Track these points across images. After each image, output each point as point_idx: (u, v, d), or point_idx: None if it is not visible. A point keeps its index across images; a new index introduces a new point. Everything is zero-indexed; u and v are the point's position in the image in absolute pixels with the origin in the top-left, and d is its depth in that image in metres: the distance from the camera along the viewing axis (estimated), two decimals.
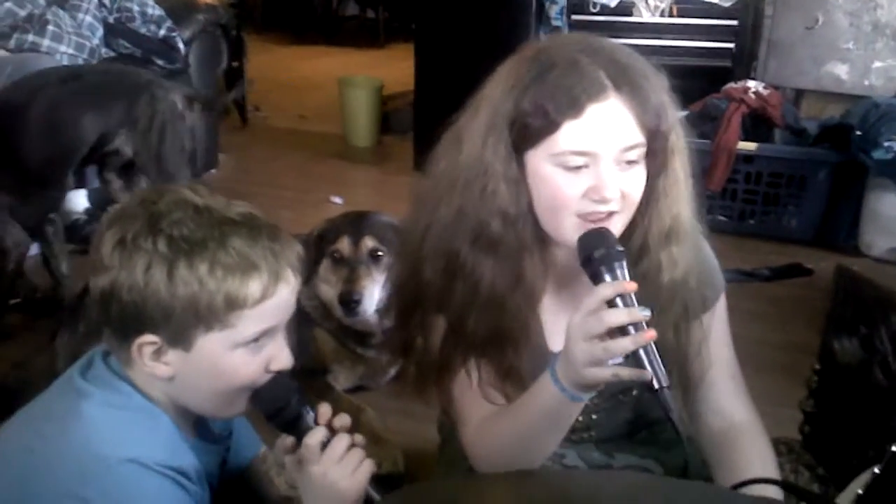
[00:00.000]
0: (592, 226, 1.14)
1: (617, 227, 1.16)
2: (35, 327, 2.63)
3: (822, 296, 1.82)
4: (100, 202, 3.13)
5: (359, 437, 1.19)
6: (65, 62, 3.22)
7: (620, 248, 1.10)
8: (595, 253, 1.09)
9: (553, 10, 3.86)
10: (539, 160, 1.15)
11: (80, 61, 3.33)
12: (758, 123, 3.48)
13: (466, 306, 1.22)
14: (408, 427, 2.11)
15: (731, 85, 3.58)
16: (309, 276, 2.18)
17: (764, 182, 3.46)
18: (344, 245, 2.18)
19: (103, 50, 3.50)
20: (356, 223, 2.24)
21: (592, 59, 1.13)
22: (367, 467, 1.17)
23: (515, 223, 1.19)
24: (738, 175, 3.45)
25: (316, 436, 1.15)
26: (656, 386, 1.04)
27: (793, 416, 1.74)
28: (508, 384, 1.24)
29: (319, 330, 2.27)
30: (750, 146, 3.42)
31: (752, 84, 3.55)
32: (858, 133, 3.22)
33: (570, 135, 1.12)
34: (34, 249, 3.15)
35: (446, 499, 0.71)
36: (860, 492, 0.91)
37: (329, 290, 2.23)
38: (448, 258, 1.22)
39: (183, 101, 2.67)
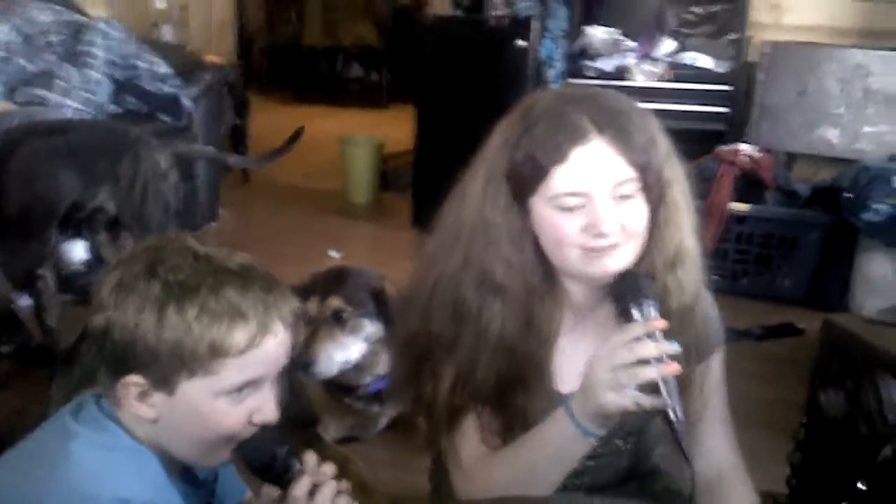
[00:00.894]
0: (595, 256, 1.19)
1: (622, 258, 1.20)
2: (29, 376, 2.63)
3: (813, 355, 1.83)
4: (98, 254, 3.15)
5: (344, 484, 1.19)
6: (71, 116, 3.29)
7: (651, 287, 1.16)
8: (625, 292, 1.15)
9: (550, 74, 3.96)
10: (539, 205, 1.21)
11: (88, 116, 3.40)
12: (750, 185, 3.54)
13: (476, 352, 1.24)
14: (397, 477, 2.10)
15: (724, 147, 3.64)
16: None
17: (756, 242, 3.50)
18: (311, 305, 2.17)
19: (111, 106, 3.57)
20: (329, 283, 2.22)
21: (576, 107, 1.19)
22: None
23: (520, 269, 1.23)
24: (731, 235, 3.49)
25: (302, 486, 1.15)
26: (672, 418, 1.09)
27: (782, 473, 1.74)
28: (513, 430, 1.26)
29: (310, 379, 2.27)
30: (742, 207, 3.46)
31: (743, 147, 3.62)
32: (849, 195, 3.26)
33: (560, 179, 1.17)
34: (27, 300, 3.18)
35: None
36: None
37: None
38: (454, 306, 1.25)
39: (168, 160, 2.67)
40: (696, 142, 3.69)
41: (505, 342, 1.23)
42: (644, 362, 1.09)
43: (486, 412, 1.28)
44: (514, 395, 1.25)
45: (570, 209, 1.18)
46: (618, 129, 1.18)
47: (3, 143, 2.60)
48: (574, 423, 1.15)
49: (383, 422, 2.35)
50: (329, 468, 1.19)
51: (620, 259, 1.19)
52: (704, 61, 4.11)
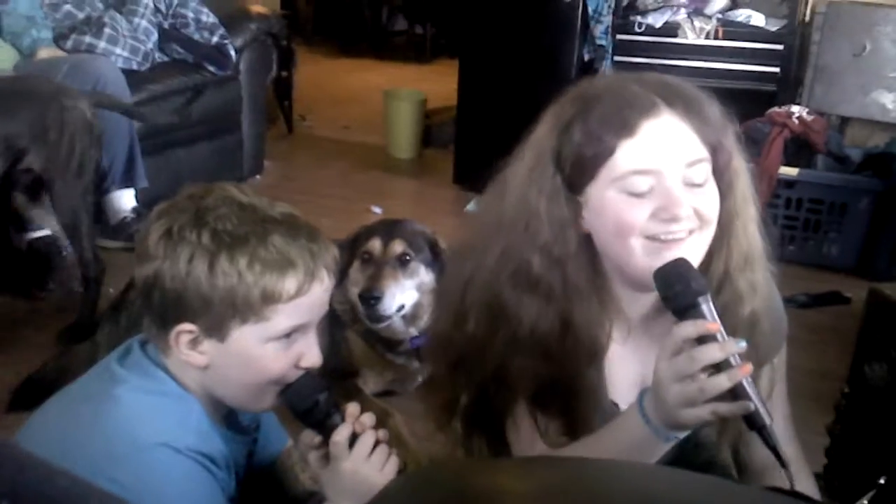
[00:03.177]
0: (664, 248, 1.09)
1: (698, 247, 1.11)
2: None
3: (859, 325, 1.80)
4: (147, 201, 3.19)
5: (382, 433, 1.22)
6: (119, 64, 3.31)
7: (702, 281, 1.04)
8: (675, 289, 1.03)
9: (598, 30, 3.88)
10: (601, 191, 1.11)
11: (135, 65, 3.43)
12: (800, 149, 3.46)
13: (509, 351, 1.18)
14: (434, 431, 2.12)
15: (775, 109, 3.56)
16: (341, 279, 2.21)
17: (805, 208, 3.43)
18: (374, 246, 2.22)
19: (157, 54, 3.59)
20: (389, 227, 2.28)
21: (639, 84, 1.11)
22: (395, 463, 1.20)
23: (561, 265, 1.15)
24: (779, 200, 3.42)
25: (343, 432, 1.18)
26: (759, 423, 0.99)
27: (822, 443, 1.73)
28: (574, 434, 1.19)
29: (351, 333, 2.30)
30: (791, 171, 3.39)
31: (796, 109, 3.53)
32: None
33: (628, 155, 1.08)
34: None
35: (455, 479, 0.73)
36: (866, 502, 0.91)
37: (356, 290, 2.23)
38: (491, 302, 1.19)
39: (91, 111, 2.60)
40: (747, 102, 3.60)
41: (538, 342, 1.15)
42: (712, 367, 0.99)
43: (536, 411, 1.21)
44: (558, 400, 1.19)
45: (638, 194, 1.08)
46: (688, 104, 1.10)
47: None
48: (653, 430, 1.05)
49: (421, 378, 2.38)
50: (369, 418, 1.21)
51: (696, 250, 1.10)
52: (757, 19, 4.00)
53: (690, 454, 1.38)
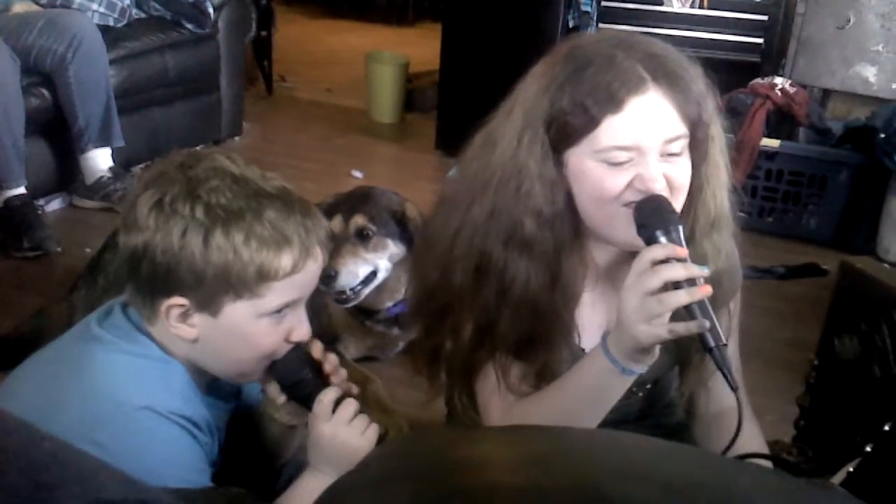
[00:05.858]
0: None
1: None
2: (51, 277, 2.67)
3: (830, 298, 1.83)
4: (123, 161, 3.15)
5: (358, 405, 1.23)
6: (96, 20, 3.24)
7: (675, 213, 1.12)
8: (650, 218, 1.11)
9: None
10: (581, 157, 1.15)
11: (111, 21, 3.35)
12: (782, 120, 3.46)
13: (497, 307, 1.22)
14: (415, 398, 2.12)
15: (758, 80, 3.56)
16: None
17: (785, 180, 3.44)
18: (335, 222, 2.20)
19: (134, 10, 3.51)
20: (352, 202, 2.25)
21: (628, 53, 1.14)
22: (375, 429, 1.21)
23: (551, 223, 1.19)
24: (760, 171, 3.43)
25: (329, 395, 1.19)
26: (712, 343, 1.06)
27: (794, 413, 1.75)
28: (542, 383, 1.25)
29: (331, 300, 2.30)
30: (773, 143, 3.40)
31: (779, 81, 3.53)
32: (882, 136, 3.19)
33: (611, 130, 1.12)
34: (58, 203, 3.21)
35: (439, 446, 0.73)
36: (851, 469, 0.93)
37: None
38: (480, 259, 1.22)
39: None
40: (730, 73, 3.59)
41: (528, 299, 1.20)
42: (674, 287, 1.05)
43: (512, 365, 1.26)
44: (535, 349, 1.24)
45: (617, 164, 1.13)
46: (673, 79, 1.14)
47: None
48: (611, 361, 1.12)
49: (401, 344, 2.39)
50: (350, 388, 1.23)
51: None
52: None
53: (662, 414, 1.42)
